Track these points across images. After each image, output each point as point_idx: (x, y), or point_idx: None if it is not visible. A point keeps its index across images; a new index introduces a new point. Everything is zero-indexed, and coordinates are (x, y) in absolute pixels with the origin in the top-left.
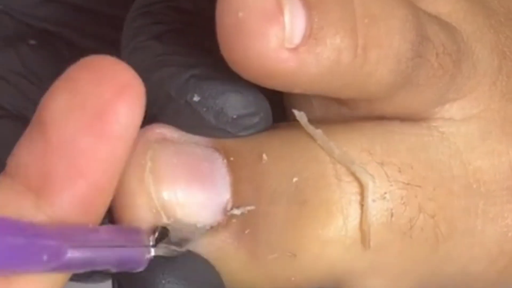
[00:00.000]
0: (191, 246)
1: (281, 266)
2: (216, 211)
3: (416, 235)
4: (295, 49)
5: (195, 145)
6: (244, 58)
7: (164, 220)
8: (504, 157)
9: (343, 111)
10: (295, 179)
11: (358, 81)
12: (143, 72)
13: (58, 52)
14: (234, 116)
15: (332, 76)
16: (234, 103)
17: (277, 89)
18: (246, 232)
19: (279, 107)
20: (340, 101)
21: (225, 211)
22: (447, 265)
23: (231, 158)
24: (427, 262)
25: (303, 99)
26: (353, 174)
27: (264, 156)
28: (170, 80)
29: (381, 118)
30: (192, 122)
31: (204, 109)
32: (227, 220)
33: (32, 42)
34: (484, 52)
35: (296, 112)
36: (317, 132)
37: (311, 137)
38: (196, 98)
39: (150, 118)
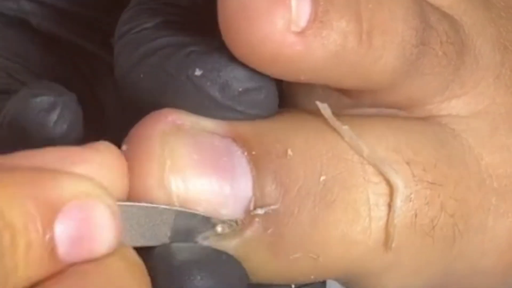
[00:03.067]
0: (217, 244)
1: (303, 265)
2: (238, 208)
3: (437, 234)
4: (301, 33)
5: (212, 136)
6: (248, 41)
7: None
8: None
9: (346, 102)
10: (322, 178)
11: (363, 68)
12: (139, 58)
13: (33, 36)
14: (240, 89)
15: (338, 62)
16: (238, 76)
17: (279, 76)
18: (269, 231)
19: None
20: (343, 92)
21: (248, 208)
22: (459, 262)
23: (253, 152)
24: (442, 260)
25: (309, 92)
26: (382, 174)
27: (290, 151)
28: (168, 58)
29: (392, 115)
30: (196, 100)
31: (208, 83)
32: (250, 218)
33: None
34: (486, 46)
35: (319, 104)
36: (345, 129)
37: (337, 132)
38: (198, 72)
39: (152, 105)
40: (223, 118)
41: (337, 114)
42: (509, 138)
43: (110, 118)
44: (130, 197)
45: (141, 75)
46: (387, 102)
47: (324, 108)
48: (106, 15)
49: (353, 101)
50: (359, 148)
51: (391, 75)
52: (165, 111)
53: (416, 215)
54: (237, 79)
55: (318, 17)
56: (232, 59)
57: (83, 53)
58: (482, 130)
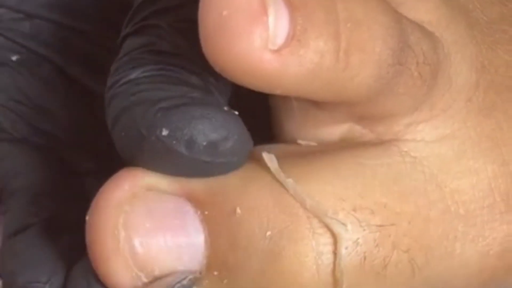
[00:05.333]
0: None
1: None
2: (192, 263)
3: (390, 271)
4: (278, 50)
5: (167, 198)
6: (226, 57)
7: (144, 279)
8: (483, 174)
9: (322, 116)
10: (268, 233)
11: (339, 84)
12: (119, 115)
13: (44, 74)
14: (205, 143)
15: (314, 78)
16: (202, 130)
17: (258, 90)
18: (225, 282)
19: (265, 124)
20: (319, 105)
21: (202, 262)
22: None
23: (206, 212)
24: None
25: (285, 104)
26: (325, 225)
27: (238, 209)
28: (140, 118)
29: (357, 135)
30: (167, 158)
31: (174, 141)
32: (205, 271)
33: (14, 58)
34: (462, 66)
35: (266, 156)
36: (289, 182)
37: (284, 187)
38: (164, 132)
39: (132, 161)
40: (194, 172)
41: (286, 154)
42: (477, 162)
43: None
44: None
45: (122, 133)
46: (360, 114)
47: (271, 160)
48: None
49: (328, 112)
50: (303, 200)
51: (366, 91)
52: (121, 177)
53: (365, 258)
54: (201, 133)
55: (295, 36)
56: (196, 113)
57: (95, 95)
58: (447, 156)
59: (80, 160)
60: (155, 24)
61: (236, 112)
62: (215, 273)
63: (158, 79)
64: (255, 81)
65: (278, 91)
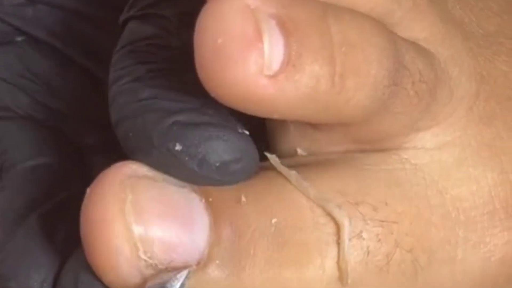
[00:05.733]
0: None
1: None
2: (193, 250)
3: (393, 269)
4: (273, 76)
5: (171, 184)
6: (222, 84)
7: (141, 254)
8: (483, 182)
9: (319, 136)
10: (274, 220)
11: (335, 107)
12: (127, 117)
13: (52, 56)
14: (217, 164)
15: (310, 102)
16: (216, 151)
17: (254, 114)
18: (227, 272)
19: (262, 140)
20: (316, 126)
21: (204, 251)
22: None
23: (210, 199)
24: None
25: (281, 125)
26: (329, 214)
27: (243, 197)
28: (153, 127)
29: (355, 150)
30: (175, 170)
31: (187, 158)
32: (206, 259)
33: (19, 38)
34: (461, 77)
35: (268, 154)
36: (292, 173)
37: (287, 179)
38: (178, 147)
39: (133, 158)
40: (199, 184)
41: (285, 163)
42: (477, 170)
43: None
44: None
45: (130, 134)
46: (357, 136)
47: (273, 158)
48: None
49: (325, 134)
50: (306, 190)
51: (362, 113)
52: (130, 161)
53: (368, 252)
54: (215, 153)
55: (291, 61)
56: (212, 132)
57: (100, 80)
58: (447, 163)
59: (84, 136)
60: (161, 15)
61: (247, 132)
62: (217, 261)
63: (167, 83)
64: (252, 106)
65: (274, 116)
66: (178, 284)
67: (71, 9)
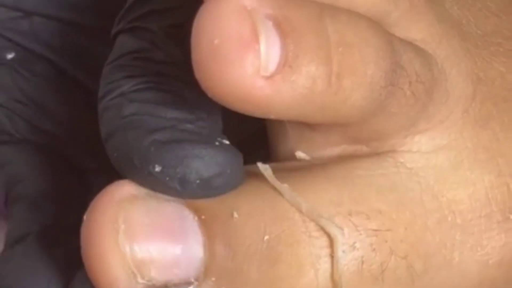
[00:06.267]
0: None
1: None
2: (190, 269)
3: (389, 277)
4: (270, 77)
5: (165, 202)
6: (219, 84)
7: (139, 280)
8: (479, 185)
9: (316, 136)
10: (266, 237)
11: (332, 107)
12: (112, 133)
13: (43, 73)
14: (198, 181)
15: (307, 103)
16: (195, 168)
17: (251, 115)
18: None
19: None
20: (313, 127)
21: (200, 268)
22: None
23: (203, 216)
24: None
25: (279, 126)
26: (321, 228)
27: (235, 214)
28: (133, 146)
29: (350, 157)
30: (161, 189)
31: (167, 178)
32: (202, 277)
33: (10, 56)
34: (458, 78)
35: (260, 165)
36: (284, 187)
37: (278, 191)
38: (158, 169)
39: (123, 173)
40: (188, 199)
41: (281, 169)
42: (474, 173)
43: None
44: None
45: (115, 154)
46: (354, 136)
47: (265, 169)
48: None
49: (322, 134)
50: (298, 204)
51: (359, 113)
52: (123, 182)
53: (363, 262)
54: (193, 172)
55: (287, 62)
56: (188, 151)
57: (95, 94)
58: (443, 166)
59: (81, 158)
60: (148, 28)
61: (227, 142)
62: (213, 279)
63: (151, 97)
64: (248, 107)
65: (271, 116)
66: None
67: (67, 20)
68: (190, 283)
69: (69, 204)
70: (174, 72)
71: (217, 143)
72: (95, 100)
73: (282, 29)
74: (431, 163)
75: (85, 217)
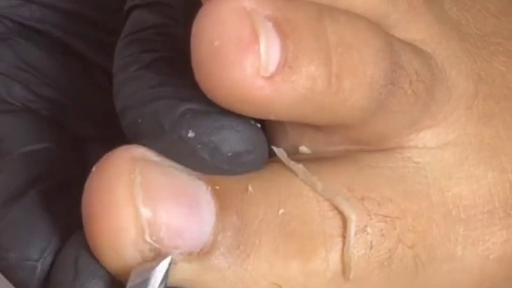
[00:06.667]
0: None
1: None
2: (201, 237)
3: (395, 265)
4: (270, 78)
5: (178, 170)
6: (219, 86)
7: (146, 237)
8: (483, 181)
9: (318, 137)
10: (281, 211)
11: (332, 107)
12: (136, 104)
13: (48, 47)
14: (229, 154)
15: (307, 103)
16: (229, 141)
17: (252, 116)
18: (231, 261)
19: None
20: (315, 128)
21: (209, 238)
22: None
23: (217, 187)
24: None
25: (279, 127)
26: (336, 208)
27: (250, 187)
28: (165, 113)
29: (357, 151)
30: (185, 157)
31: (199, 145)
32: (209, 247)
33: (13, 34)
34: (459, 78)
35: (275, 148)
36: (299, 167)
37: (294, 173)
38: (190, 134)
39: (138, 143)
40: (206, 172)
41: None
42: (477, 169)
43: None
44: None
45: (139, 120)
46: (356, 137)
47: (280, 152)
48: (118, 17)
49: (324, 135)
50: (313, 184)
51: (360, 113)
52: (136, 145)
53: (371, 247)
54: (228, 143)
55: (287, 63)
56: (225, 122)
57: (96, 65)
58: (449, 162)
59: (81, 126)
60: (166, 3)
61: (259, 125)
62: (221, 249)
63: (177, 70)
64: (248, 108)
65: (271, 117)
66: (161, 276)
67: (66, 9)
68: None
69: (66, 162)
70: None
71: (252, 122)
72: (97, 72)
73: (281, 30)
74: (437, 159)
75: (94, 167)
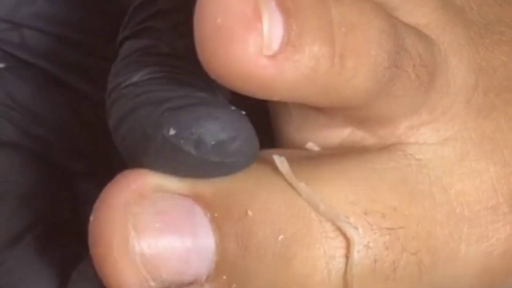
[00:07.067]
0: None
1: None
2: (202, 267)
3: (400, 274)
4: (273, 56)
5: (174, 199)
6: (222, 64)
7: (151, 283)
8: (486, 175)
9: (321, 120)
10: (281, 237)
11: (335, 88)
12: (123, 118)
13: (36, 82)
14: (213, 142)
15: (310, 83)
16: (210, 129)
17: (254, 96)
18: (233, 286)
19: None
20: (318, 109)
21: (211, 265)
22: None
23: (215, 214)
24: None
25: (283, 110)
26: (338, 228)
27: (249, 212)
28: (145, 119)
29: (362, 150)
30: (174, 158)
31: (182, 141)
32: (214, 275)
33: (2, 65)
34: (460, 67)
35: (276, 159)
36: (301, 186)
37: (297, 191)
38: (172, 132)
39: (136, 163)
40: (200, 172)
41: (291, 159)
42: (479, 164)
43: (116, 167)
44: (98, 268)
45: (125, 135)
46: (359, 119)
47: (282, 163)
48: (106, 42)
49: (328, 118)
50: (315, 204)
51: (363, 95)
52: (128, 177)
53: (375, 261)
54: (209, 133)
55: (290, 41)
56: (204, 112)
57: (85, 98)
58: (450, 158)
59: (71, 163)
60: (153, 27)
61: (243, 112)
62: (224, 277)
63: (161, 81)
64: (251, 87)
65: (275, 97)
66: None
67: (56, 34)
68: (201, 284)
69: (57, 205)
70: (182, 64)
71: (232, 108)
72: (86, 104)
73: (285, 8)
74: (438, 155)
75: (91, 218)
